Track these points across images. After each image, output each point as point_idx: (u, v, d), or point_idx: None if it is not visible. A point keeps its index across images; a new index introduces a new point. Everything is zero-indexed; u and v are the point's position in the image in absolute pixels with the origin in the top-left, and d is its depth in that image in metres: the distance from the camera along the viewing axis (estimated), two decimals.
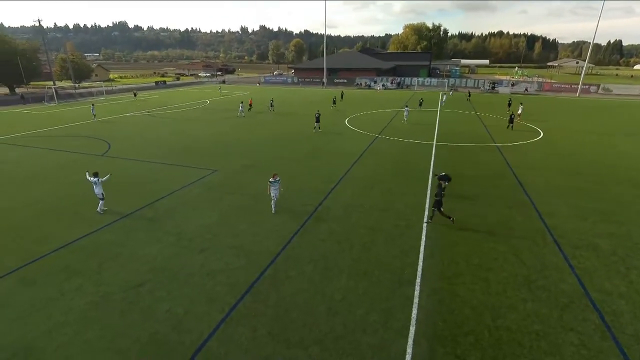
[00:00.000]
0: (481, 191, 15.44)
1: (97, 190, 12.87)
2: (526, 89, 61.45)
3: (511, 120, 28.64)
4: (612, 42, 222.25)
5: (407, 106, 33.36)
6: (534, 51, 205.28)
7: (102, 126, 30.66)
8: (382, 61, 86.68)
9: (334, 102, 41.68)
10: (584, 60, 68.56)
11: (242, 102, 36.76)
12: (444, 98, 44.93)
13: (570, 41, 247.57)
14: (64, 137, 26.52)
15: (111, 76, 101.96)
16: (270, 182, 12.72)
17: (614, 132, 28.55)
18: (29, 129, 29.48)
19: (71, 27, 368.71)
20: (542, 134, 27.16)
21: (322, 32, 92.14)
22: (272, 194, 12.88)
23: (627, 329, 7.51)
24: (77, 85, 65.19)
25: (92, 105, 35.31)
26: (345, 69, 79.17)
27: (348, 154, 21.35)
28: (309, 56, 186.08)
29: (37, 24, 53.83)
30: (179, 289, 8.83)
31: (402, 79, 72.27)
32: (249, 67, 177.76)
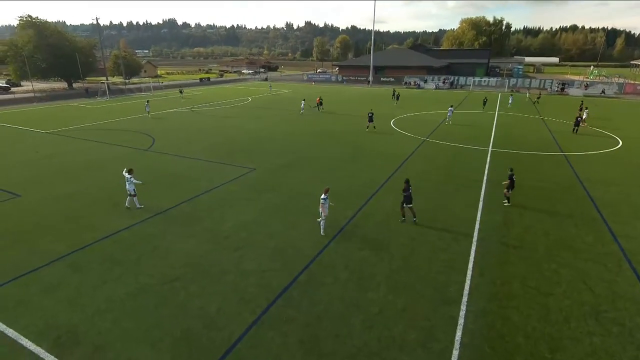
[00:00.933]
0: (543, 205, 14.42)
1: (129, 187, 13.47)
2: (603, 91, 56.38)
3: (577, 124, 27.72)
4: None
5: (451, 106, 32.29)
6: (614, 48, 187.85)
7: (148, 121, 32.87)
8: (434, 58, 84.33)
9: (397, 98, 44.26)
10: None
11: (304, 100, 38.15)
12: (511, 100, 42.62)
13: None
14: (113, 130, 28.82)
15: (159, 72, 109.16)
16: (322, 199, 11.39)
17: None
18: (83, 122, 32.40)
19: (125, 24, 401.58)
20: (620, 143, 24.81)
21: (370, 27, 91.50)
22: (322, 212, 11.59)
23: None
24: (127, 81, 70.76)
25: (147, 102, 36.13)
26: (393, 67, 78.08)
27: (392, 157, 21.00)
28: (355, 53, 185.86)
29: (94, 22, 59.20)
30: (212, 287, 9.19)
31: (456, 78, 69.75)
32: (292, 65, 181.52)
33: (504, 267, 10.11)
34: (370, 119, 27.68)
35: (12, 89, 58.60)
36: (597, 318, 8.17)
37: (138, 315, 8.20)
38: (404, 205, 12.63)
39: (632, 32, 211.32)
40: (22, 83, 62.77)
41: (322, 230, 11.86)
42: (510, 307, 8.52)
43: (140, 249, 10.99)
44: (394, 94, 45.63)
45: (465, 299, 8.80)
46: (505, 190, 14.07)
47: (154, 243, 11.35)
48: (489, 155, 21.65)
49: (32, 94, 51.02)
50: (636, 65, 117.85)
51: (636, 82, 62.64)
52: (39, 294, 8.92)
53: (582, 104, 35.67)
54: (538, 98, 46.50)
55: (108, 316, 8.15)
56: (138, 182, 13.67)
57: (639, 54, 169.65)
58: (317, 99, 39.87)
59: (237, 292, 8.98)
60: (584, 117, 29.85)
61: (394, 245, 11.30)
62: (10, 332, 7.66)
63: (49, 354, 7.10)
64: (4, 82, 62.47)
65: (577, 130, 27.52)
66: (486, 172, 18.48)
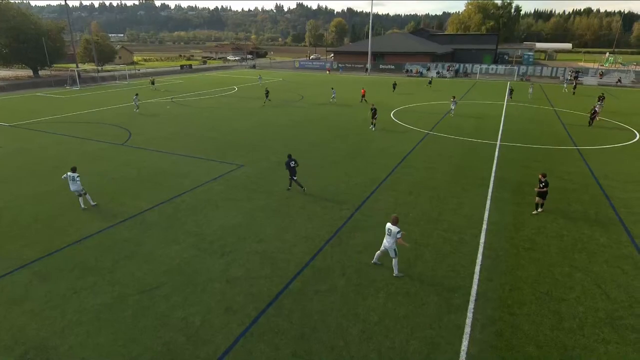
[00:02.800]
0: (556, 204, 14.56)
1: (76, 186, 13.36)
2: (619, 80, 57.04)
3: (592, 118, 28.14)
4: None
5: (454, 98, 32.49)
6: (631, 33, 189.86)
7: (123, 112, 32.56)
8: (437, 44, 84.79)
9: (394, 87, 45.70)
10: None
11: (333, 88, 39.88)
12: (531, 90, 42.87)
13: None
14: (86, 123, 28.52)
15: (135, 59, 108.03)
16: (398, 233, 9.44)
17: None
18: (52, 113, 32.01)
19: (97, 5, 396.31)
20: (638, 136, 25.16)
21: (368, 10, 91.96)
22: (384, 246, 9.82)
23: None
24: (99, 68, 69.87)
25: (136, 95, 34.15)
26: (393, 54, 78.21)
27: (392, 153, 21.09)
28: (352, 38, 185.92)
29: (62, 2, 58.22)
30: (197, 296, 9.16)
31: (462, 65, 70.08)
32: (282, 50, 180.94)
33: (513, 272, 10.20)
34: (373, 115, 26.47)
35: None
36: (612, 325, 8.29)
37: (114, 327, 8.14)
38: (293, 178, 15.20)
39: None
40: None
41: (396, 271, 9.87)
42: (521, 315, 8.60)
43: (116, 255, 10.90)
44: (394, 87, 46.03)
45: (471, 306, 8.86)
46: (538, 197, 13.48)
47: (132, 248, 11.27)
48: (497, 150, 21.82)
49: None
50: None
51: None
52: (3, 304, 8.82)
53: (602, 95, 34.65)
54: (575, 87, 47.08)
55: (80, 329, 8.07)
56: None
57: None
58: (362, 90, 39.57)
59: (223, 302, 8.95)
60: (596, 108, 29.48)
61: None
62: None
63: None
64: None
65: (592, 123, 27.91)
66: (494, 168, 18.62)
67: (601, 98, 32.86)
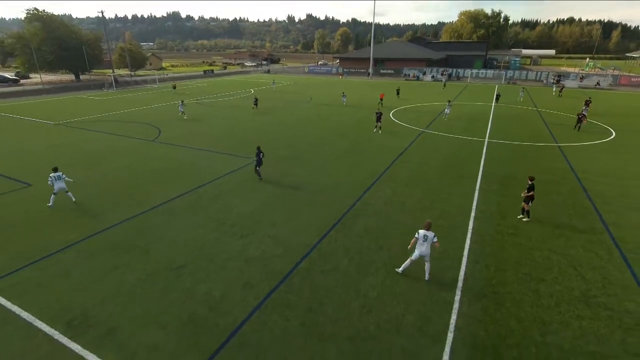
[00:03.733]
0: (537, 195, 14.34)
1: (62, 185, 12.80)
2: (598, 83, 55.77)
3: (579, 120, 25.38)
4: None
5: (449, 102, 31.14)
6: (610, 40, 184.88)
7: (154, 113, 32.73)
8: (432, 51, 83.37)
9: (397, 93, 42.28)
10: None
11: (344, 93, 37.56)
12: (521, 93, 41.82)
13: None
14: (121, 122, 28.73)
15: (163, 65, 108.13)
16: (418, 235, 8.75)
17: None
18: (91, 113, 32.29)
19: (130, 17, 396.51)
20: (614, 134, 24.65)
21: (370, 20, 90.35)
22: (417, 253, 8.77)
23: None
24: (132, 73, 70.14)
25: (182, 102, 30.79)
26: (392, 59, 77.22)
27: (391, 148, 20.93)
28: (356, 46, 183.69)
29: (100, 15, 58.45)
30: (218, 273, 9.28)
31: (454, 70, 69.02)
32: (293, 57, 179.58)
33: (498, 255, 10.16)
34: (378, 119, 24.77)
35: (21, 81, 58.26)
36: (587, 303, 8.24)
37: (146, 300, 8.30)
38: (257, 168, 15.55)
39: (629, 25, 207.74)
40: (30, 75, 62.34)
41: (427, 275, 8.97)
42: (504, 293, 8.59)
43: (148, 237, 11.06)
44: (398, 93, 42.41)
45: (460, 284, 8.87)
46: (524, 203, 11.98)
47: (161, 231, 11.42)
48: (485, 146, 21.56)
49: (40, 86, 50.72)
50: (632, 58, 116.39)
51: (631, 74, 61.96)
52: (53, 279, 9.04)
53: (589, 99, 32.11)
54: (561, 90, 45.91)
55: (118, 300, 8.25)
56: (70, 180, 13.27)
57: (635, 47, 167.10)
58: (381, 94, 36.99)
59: (241, 278, 9.07)
60: (583, 112, 27.13)
61: (392, 233, 11.33)
62: (25, 315, 7.78)
63: (62, 336, 7.22)
64: (12, 74, 62.03)
65: (579, 127, 25.29)
66: (482, 163, 18.42)
67: (587, 102, 30.84)
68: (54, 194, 12.99)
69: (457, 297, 8.41)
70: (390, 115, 31.40)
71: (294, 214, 12.66)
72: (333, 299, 8.34)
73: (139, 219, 12.30)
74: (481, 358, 6.78)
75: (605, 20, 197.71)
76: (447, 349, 6.98)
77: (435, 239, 8.67)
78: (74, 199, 13.34)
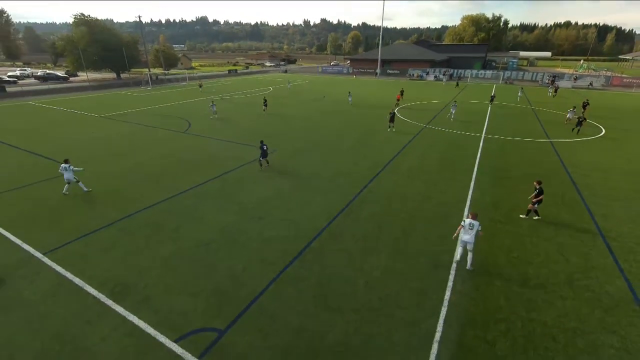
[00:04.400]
0: (530, 187, 14.07)
1: (69, 175, 12.65)
2: (591, 84, 53.35)
3: (579, 123, 22.50)
4: None
5: (455, 102, 29.12)
6: (604, 43, 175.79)
7: (184, 108, 33.00)
8: (436, 53, 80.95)
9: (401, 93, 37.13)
10: None
11: (349, 92, 36.74)
12: (520, 93, 39.43)
13: None
14: (156, 115, 29.06)
15: (193, 65, 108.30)
16: (464, 223, 8.49)
17: None
18: (130, 107, 32.78)
19: (163, 22, 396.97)
20: (603, 131, 23.72)
21: (379, 24, 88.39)
22: (462, 240, 8.46)
23: None
24: (166, 72, 70.59)
25: (212, 102, 28.49)
26: (398, 60, 75.41)
27: (394, 142, 20.67)
28: (365, 47, 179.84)
29: (137, 19, 58.59)
30: (239, 250, 9.44)
31: (456, 70, 67.08)
32: (308, 58, 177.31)
33: (491, 240, 10.03)
34: (392, 119, 23.09)
35: (70, 78, 59.37)
36: (570, 285, 8.12)
37: (177, 271, 8.55)
38: (261, 158, 15.60)
39: (623, 28, 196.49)
40: (78, 73, 63.42)
41: (470, 264, 8.57)
42: (495, 274, 8.52)
43: (178, 217, 11.29)
44: (402, 94, 37.27)
45: (454, 265, 8.83)
46: (531, 205, 11.11)
47: (190, 213, 11.64)
48: (481, 141, 21.07)
49: (86, 83, 51.63)
50: (624, 59, 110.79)
51: (623, 75, 59.12)
52: (97, 252, 9.36)
53: (586, 102, 29.29)
54: (556, 90, 43.05)
55: (153, 272, 8.52)
56: (78, 169, 13.19)
57: (628, 49, 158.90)
58: (398, 95, 34.50)
59: (259, 255, 9.21)
60: (568, 116, 25.48)
61: (395, 219, 11.29)
62: (78, 280, 8.13)
63: (108, 299, 7.54)
64: (63, 72, 63.24)
65: (579, 130, 22.48)
66: (478, 156, 18.05)
67: (585, 104, 28.57)
68: (68, 183, 12.84)
69: (452, 277, 8.39)
70: (395, 111, 30.87)
71: (306, 200, 12.71)
72: (340, 276, 8.42)
73: (171, 202, 12.54)
74: (471, 330, 6.79)
75: (601, 24, 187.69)
76: (441, 321, 7.01)
77: (480, 228, 8.36)
78: (85, 189, 13.10)
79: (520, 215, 11.43)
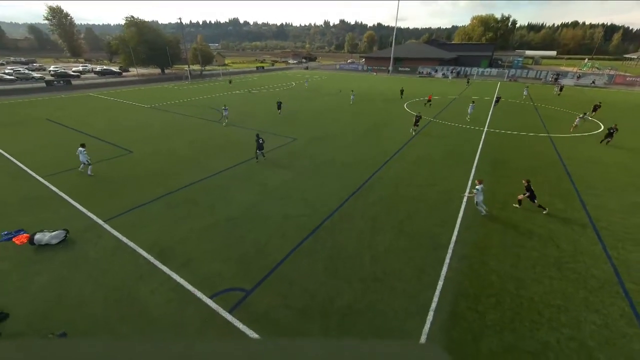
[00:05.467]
0: (527, 177, 13.51)
1: (82, 158, 12.85)
2: (593, 82, 49.49)
3: (610, 135, 17.62)
4: None
5: (473, 102, 25.33)
6: (610, 42, 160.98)
7: (218, 99, 33.24)
8: (445, 51, 76.98)
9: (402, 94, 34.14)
10: None
11: (352, 91, 32.50)
12: (525, 92, 35.85)
13: None
14: (194, 106, 29.46)
15: (226, 62, 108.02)
16: (476, 190, 10.00)
17: None
18: (172, 99, 33.34)
19: (200, 23, 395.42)
20: (602, 127, 22.19)
21: (393, 24, 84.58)
22: (478, 200, 10.12)
23: None
24: (203, 68, 70.88)
25: (224, 106, 23.46)
26: (409, 59, 72.41)
27: (403, 133, 20.15)
28: (379, 46, 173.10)
29: (178, 21, 58.59)
30: (262, 225, 9.64)
31: (463, 68, 63.81)
32: (328, 56, 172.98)
33: (487, 224, 9.80)
34: (417, 122, 20.01)
35: (123, 73, 60.77)
36: (559, 267, 7.88)
37: (211, 240, 8.86)
38: (258, 151, 14.72)
39: (630, 28, 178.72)
40: (129, 69, 64.77)
41: (483, 211, 10.20)
42: (488, 254, 8.37)
43: (212, 195, 11.57)
44: (401, 93, 34.51)
45: (452, 245, 8.72)
46: (522, 196, 10.63)
47: (222, 192, 11.89)
48: (484, 134, 20.21)
49: (136, 78, 52.73)
50: (629, 58, 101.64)
51: (626, 74, 54.41)
52: (146, 221, 9.79)
53: (598, 104, 25.58)
54: (561, 89, 38.88)
55: (191, 240, 8.87)
56: (83, 158, 13.05)
57: (634, 48, 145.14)
58: (429, 95, 30.81)
59: (280, 230, 9.38)
60: (576, 123, 20.80)
61: (401, 203, 11.17)
62: (132, 244, 8.61)
63: (156, 260, 7.96)
64: (117, 68, 64.75)
65: (609, 141, 17.84)
66: (480, 148, 17.38)
67: (597, 107, 25.08)
68: (82, 164, 13.09)
69: (449, 255, 8.31)
70: (405, 106, 29.96)
71: (321, 184, 12.71)
72: (349, 250, 8.49)
73: (206, 182, 12.81)
74: (464, 302, 6.76)
75: (608, 24, 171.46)
76: (437, 293, 7.01)
77: (479, 193, 9.98)
78: (89, 173, 13.02)
79: (514, 205, 11.01)
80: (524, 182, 10.56)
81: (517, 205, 10.86)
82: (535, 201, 10.36)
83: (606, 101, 33.83)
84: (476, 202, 10.20)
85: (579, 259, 8.21)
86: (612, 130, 17.73)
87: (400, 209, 10.69)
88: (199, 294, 6.89)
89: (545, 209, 10.49)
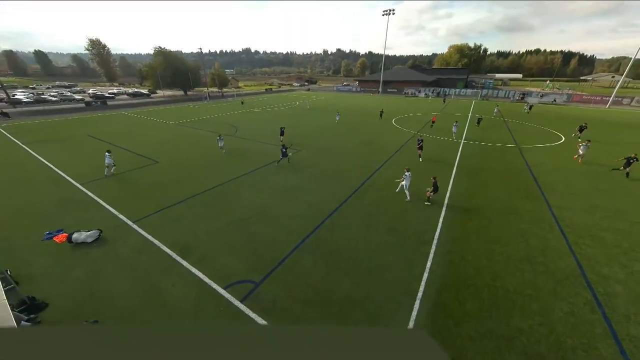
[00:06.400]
0: (499, 182, 13.49)
1: (108, 160, 13.76)
2: (554, 100, 49.94)
3: (628, 164, 13.55)
4: None
5: (456, 122, 24.00)
6: (568, 67, 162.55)
7: (233, 117, 33.49)
8: (427, 75, 77.89)
9: (381, 115, 31.54)
10: (622, 75, 52.11)
11: (338, 112, 30.98)
12: (496, 110, 35.32)
13: (609, 57, 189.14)
14: (212, 122, 29.61)
15: (240, 85, 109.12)
16: (405, 175, 11.11)
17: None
18: (194, 117, 33.58)
19: (218, 52, 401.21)
20: (563, 139, 22.24)
21: (382, 52, 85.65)
22: (403, 184, 11.19)
23: (619, 309, 6.18)
24: (220, 90, 71.57)
25: (219, 136, 18.18)
26: (397, 81, 73.23)
27: (392, 144, 20.20)
28: (371, 71, 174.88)
29: (199, 51, 59.46)
30: (271, 225, 9.56)
31: (443, 89, 64.39)
32: (326, 79, 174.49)
33: (465, 224, 9.73)
34: (420, 147, 16.70)
35: (151, 95, 61.39)
36: (529, 261, 7.79)
37: (226, 238, 8.79)
38: (281, 158, 15.58)
39: (585, 54, 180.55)
40: (157, 91, 65.46)
41: (407, 197, 11.15)
42: (467, 250, 8.29)
43: (227, 199, 11.52)
44: (381, 114, 31.94)
45: (435, 241, 8.64)
46: (429, 192, 10.94)
47: (236, 196, 11.84)
48: (461, 146, 20.26)
49: (163, 98, 53.20)
50: (585, 80, 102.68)
51: (583, 93, 54.88)
52: (170, 221, 9.74)
53: (583, 125, 22.71)
54: (530, 108, 37.45)
55: (209, 238, 8.79)
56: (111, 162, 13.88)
57: (588, 71, 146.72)
58: (434, 117, 27.64)
59: (286, 229, 9.31)
60: (580, 152, 15.69)
61: (392, 204, 11.11)
62: (157, 242, 8.54)
63: (177, 255, 7.89)
64: (146, 90, 65.44)
65: (628, 173, 13.64)
66: (458, 157, 17.39)
67: (583, 128, 22.35)
68: (107, 166, 13.84)
69: (433, 250, 8.23)
70: (392, 121, 30.11)
71: (323, 187, 12.66)
72: (347, 246, 8.42)
73: (222, 187, 12.76)
74: (447, 291, 6.67)
75: (566, 51, 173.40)
76: (423, 283, 6.92)
77: (410, 174, 11.04)
78: (111, 172, 13.88)
79: (425, 203, 10.95)
80: (432, 179, 10.80)
81: (428, 203, 10.90)
82: (434, 194, 10.80)
83: (569, 115, 34.01)
84: (404, 185, 11.06)
85: (546, 253, 8.13)
86: (632, 160, 13.55)
87: (391, 209, 10.63)
88: (215, 285, 6.81)
89: (429, 203, 10.90)
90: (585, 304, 6.30)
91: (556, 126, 27.28)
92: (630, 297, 6.46)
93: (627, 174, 13.81)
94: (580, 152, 15.85)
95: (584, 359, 5.12)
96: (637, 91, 72.85)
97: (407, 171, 11.13)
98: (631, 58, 42.12)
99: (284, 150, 15.80)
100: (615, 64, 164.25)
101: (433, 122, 27.27)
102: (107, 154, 13.88)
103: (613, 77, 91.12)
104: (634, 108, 43.31)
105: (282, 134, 23.72)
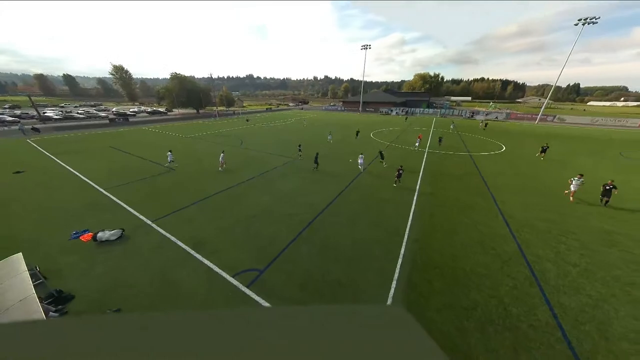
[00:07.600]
0: (456, 184, 13.89)
1: (170, 158, 15.86)
2: (496, 117, 52.39)
3: (607, 193, 10.21)
4: (571, 84, 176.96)
5: (418, 139, 23.09)
6: (506, 91, 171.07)
7: (239, 131, 32.98)
8: (397, 97, 79.74)
9: (357, 135, 29.40)
10: (546, 98, 55.57)
11: (330, 133, 28.90)
12: (452, 126, 37.11)
13: (536, 84, 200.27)
14: (221, 136, 29.07)
15: (244, 104, 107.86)
16: (360, 156, 15.14)
17: (571, 151, 23.35)
18: (205, 131, 32.82)
19: (226, 77, 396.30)
20: (504, 148, 23.26)
21: (361, 79, 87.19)
22: (361, 163, 14.75)
23: (550, 282, 6.45)
24: (227, 109, 70.40)
25: (170, 151, 17.63)
26: (374, 102, 74.64)
27: (372, 153, 20.44)
28: (352, 93, 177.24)
29: (210, 76, 58.55)
30: (273, 222, 9.41)
31: (410, 109, 66.19)
32: (316, 100, 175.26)
33: (430, 218, 9.91)
34: (382, 156, 17.02)
35: (168, 113, 59.65)
36: (482, 246, 8.01)
37: (234, 234, 8.56)
38: (315, 164, 15.88)
39: (518, 82, 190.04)
40: (173, 110, 63.72)
41: (362, 169, 14.67)
42: (432, 238, 8.43)
43: (234, 201, 11.26)
44: (357, 134, 28.54)
45: (407, 232, 8.75)
46: (397, 178, 12.88)
47: (242, 198, 11.60)
48: (425, 154, 20.77)
49: (178, 116, 51.74)
50: (519, 102, 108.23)
51: (517, 112, 57.79)
52: (183, 221, 9.40)
53: (545, 146, 19.29)
54: (486, 125, 36.76)
55: (218, 235, 8.53)
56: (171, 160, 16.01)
57: (521, 95, 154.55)
58: (419, 135, 24.59)
59: (285, 225, 9.18)
60: (572, 188, 11.08)
61: (373, 202, 11.18)
62: (173, 238, 8.21)
63: (191, 250, 7.61)
64: (164, 109, 63.57)
65: (607, 202, 10.33)
66: (423, 163, 17.80)
67: (545, 149, 19.07)
68: (170, 162, 15.99)
69: (405, 240, 8.32)
70: (371, 134, 30.54)
71: (317, 189, 12.56)
72: (336, 238, 8.38)
73: (230, 190, 12.48)
74: (417, 273, 6.74)
75: (504, 79, 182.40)
76: (398, 267, 6.97)
77: (363, 157, 13.90)
78: (167, 164, 15.95)
79: (394, 185, 12.65)
80: (399, 167, 12.74)
81: (395, 185, 12.76)
82: (399, 179, 12.72)
83: (507, 130, 35.62)
84: (360, 164, 14.65)
85: (495, 239, 8.40)
86: (609, 187, 10.26)
87: (372, 206, 10.66)
88: (224, 274, 6.61)
89: (395, 184, 12.83)
90: (525, 279, 6.53)
91: (499, 138, 28.50)
92: (559, 272, 6.76)
93: (606, 202, 10.37)
94: (572, 188, 11.18)
95: (526, 324, 5.29)
96: (557, 110, 77.82)
97: (361, 154, 14.84)
98: (552, 85, 44.98)
99: (316, 158, 16.26)
100: (541, 90, 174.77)
101: (420, 138, 23.40)
102: (169, 153, 16.26)
103: (539, 99, 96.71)
104: (556, 123, 46.45)
105: (300, 150, 20.74)
